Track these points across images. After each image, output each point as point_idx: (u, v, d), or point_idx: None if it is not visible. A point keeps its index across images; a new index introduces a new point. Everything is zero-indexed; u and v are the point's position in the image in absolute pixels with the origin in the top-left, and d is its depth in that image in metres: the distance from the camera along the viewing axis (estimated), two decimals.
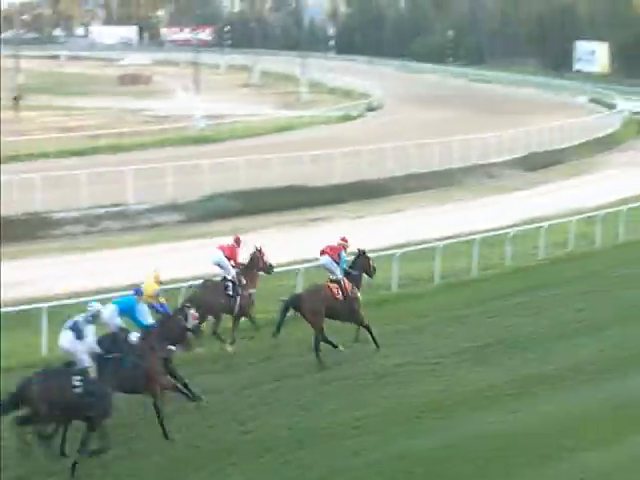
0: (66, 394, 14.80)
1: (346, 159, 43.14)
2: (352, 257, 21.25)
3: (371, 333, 20.53)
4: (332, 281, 20.46)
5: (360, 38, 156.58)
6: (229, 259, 20.90)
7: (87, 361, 15.14)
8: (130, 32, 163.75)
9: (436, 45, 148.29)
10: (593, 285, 26.28)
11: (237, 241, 21.47)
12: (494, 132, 52.01)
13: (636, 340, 21.37)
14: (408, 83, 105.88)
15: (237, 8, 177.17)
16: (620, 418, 17.17)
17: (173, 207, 36.46)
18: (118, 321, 16.85)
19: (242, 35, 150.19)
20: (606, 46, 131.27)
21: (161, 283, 18.50)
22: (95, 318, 15.53)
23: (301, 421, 16.90)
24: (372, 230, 32.42)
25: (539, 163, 50.02)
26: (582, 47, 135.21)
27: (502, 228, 30.69)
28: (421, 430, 16.68)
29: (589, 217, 32.51)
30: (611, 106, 79.82)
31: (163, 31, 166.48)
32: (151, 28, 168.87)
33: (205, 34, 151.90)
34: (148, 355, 16.19)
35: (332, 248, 20.93)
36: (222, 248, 21.12)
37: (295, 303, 20.08)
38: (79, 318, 15.57)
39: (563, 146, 54.77)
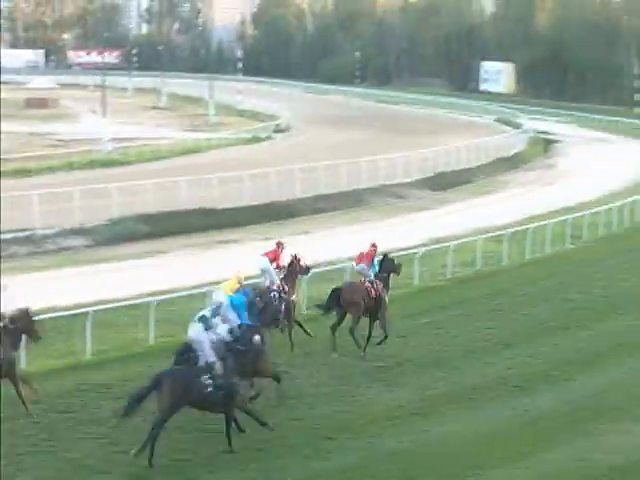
0: (196, 392, 15.83)
1: (254, 181, 43.11)
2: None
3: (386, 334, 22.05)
4: (368, 281, 22.20)
5: (268, 60, 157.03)
6: (272, 262, 22.28)
7: (212, 355, 16.21)
8: (36, 55, 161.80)
9: (344, 66, 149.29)
10: (501, 303, 26.65)
11: (279, 245, 22.89)
12: (402, 152, 52.47)
13: (543, 357, 21.71)
14: (316, 104, 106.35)
15: (144, 30, 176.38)
16: (528, 435, 17.37)
17: (80, 231, 35.97)
18: (234, 315, 17.63)
19: (150, 57, 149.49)
20: (511, 66, 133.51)
21: (240, 284, 19.09)
22: (217, 310, 16.82)
23: (207, 445, 16.70)
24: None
25: (447, 183, 50.54)
26: (488, 67, 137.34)
27: (410, 248, 30.85)
28: (333, 450, 16.66)
29: (496, 236, 32.98)
30: (517, 125, 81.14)
31: (70, 54, 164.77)
32: (58, 51, 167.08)
33: (112, 57, 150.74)
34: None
35: (366, 254, 22.62)
36: (267, 254, 22.46)
37: (337, 295, 21.63)
38: (206, 312, 16.81)
39: (470, 166, 55.49)
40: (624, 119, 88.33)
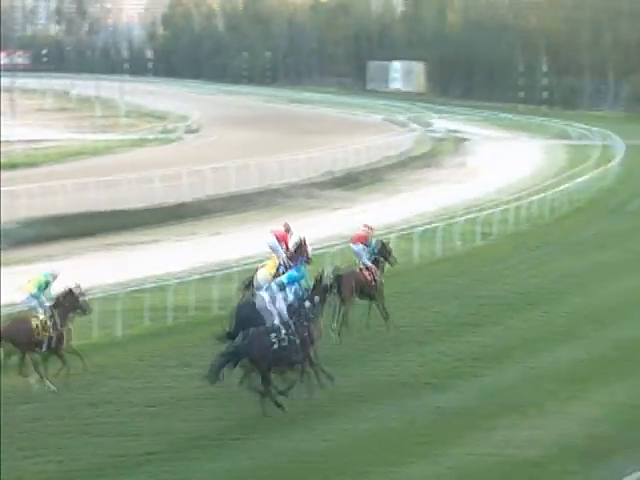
0: (270, 349, 18.02)
1: (165, 182, 42.79)
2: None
3: (387, 315, 23.39)
4: (365, 267, 23.45)
5: (178, 60, 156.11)
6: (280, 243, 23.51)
7: (277, 319, 18.75)
8: None
9: (255, 66, 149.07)
10: (412, 301, 26.81)
11: (287, 228, 24.12)
12: (313, 152, 52.51)
13: (454, 353, 21.85)
14: (227, 105, 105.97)
15: (54, 31, 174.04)
16: (441, 431, 17.43)
17: None
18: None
19: (59, 59, 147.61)
20: (422, 65, 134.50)
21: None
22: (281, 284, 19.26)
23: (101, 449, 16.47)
24: (193, 251, 32.18)
25: (358, 182, 50.73)
26: (399, 67, 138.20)
27: (323, 247, 30.87)
28: (223, 452, 16.52)
29: (407, 234, 33.16)
30: (427, 125, 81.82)
31: None
32: None
33: (21, 58, 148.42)
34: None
35: (360, 236, 24.15)
36: (275, 234, 23.62)
37: (337, 282, 22.34)
38: (273, 284, 19.33)
39: (382, 165, 55.78)
40: (533, 117, 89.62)
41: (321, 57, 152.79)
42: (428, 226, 34.11)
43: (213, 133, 75.70)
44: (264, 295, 19.36)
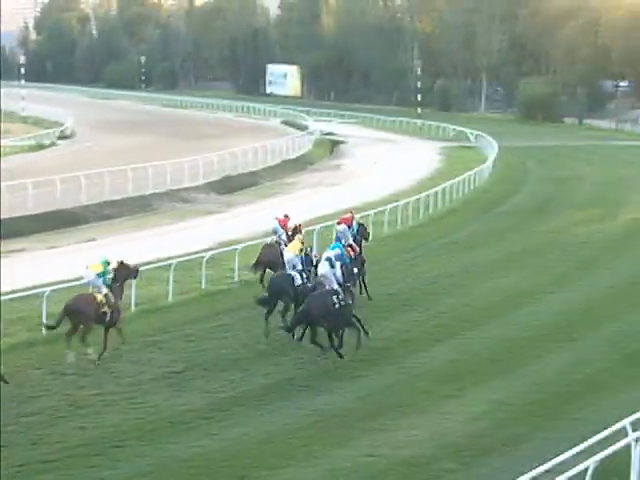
0: (329, 308, 21.36)
1: (39, 189, 42.00)
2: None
3: (367, 291, 27.08)
4: (349, 245, 26.80)
5: (52, 65, 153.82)
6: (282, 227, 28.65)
7: (335, 285, 22.42)
8: None
9: (129, 71, 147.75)
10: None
11: (286, 215, 29.52)
12: (189, 157, 52.21)
13: (331, 356, 21.75)
14: (102, 110, 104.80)
15: None
16: (318, 433, 17.47)
17: None
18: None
19: None
20: (297, 69, 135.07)
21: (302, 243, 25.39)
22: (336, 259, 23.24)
23: None
24: (67, 260, 31.59)
25: (233, 186, 50.64)
26: (274, 70, 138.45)
27: (198, 252, 30.70)
28: (122, 459, 16.37)
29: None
30: (303, 128, 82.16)
31: None
32: None
33: None
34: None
35: (345, 218, 28.61)
36: (277, 219, 29.13)
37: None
38: (332, 255, 23.22)
39: (257, 168, 55.77)
40: (408, 119, 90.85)
41: (196, 61, 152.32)
42: (305, 229, 34.03)
43: (88, 138, 74.69)
44: (325, 264, 23.23)
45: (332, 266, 23.01)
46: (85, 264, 22.50)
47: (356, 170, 60.05)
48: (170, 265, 27.47)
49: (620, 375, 20.83)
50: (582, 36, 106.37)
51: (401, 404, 19.05)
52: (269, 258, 27.22)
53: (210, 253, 29.57)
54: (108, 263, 22.27)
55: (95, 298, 21.60)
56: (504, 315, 25.85)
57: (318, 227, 33.59)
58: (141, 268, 25.00)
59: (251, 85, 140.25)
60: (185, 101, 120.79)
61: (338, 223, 28.52)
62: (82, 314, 21.29)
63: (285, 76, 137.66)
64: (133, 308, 25.57)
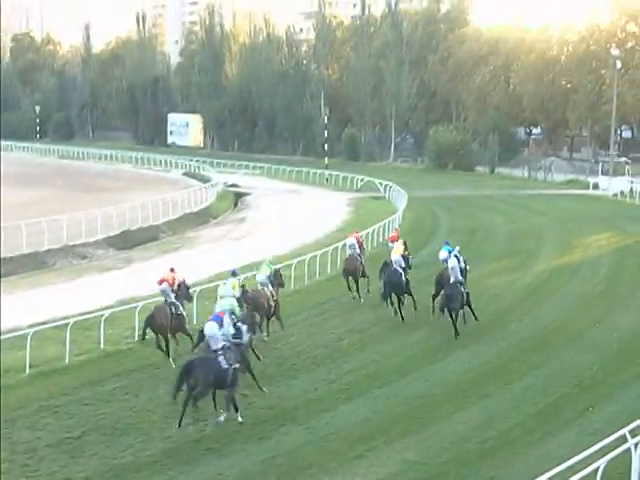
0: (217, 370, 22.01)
1: None
2: None
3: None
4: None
5: None
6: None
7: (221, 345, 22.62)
8: None
9: (23, 121, 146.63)
10: None
11: (357, 231, 39.41)
12: (86, 210, 51.88)
13: (234, 418, 21.86)
14: None
15: None
16: None
17: None
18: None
19: None
20: (199, 118, 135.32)
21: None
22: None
23: None
24: None
25: (134, 241, 50.38)
26: (175, 120, 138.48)
27: (96, 310, 30.51)
28: None
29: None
30: (205, 179, 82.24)
31: None
32: None
33: None
34: None
35: (356, 236, 36.79)
36: (354, 236, 36.97)
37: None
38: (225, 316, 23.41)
39: (158, 222, 55.60)
40: (315, 169, 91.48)
41: (94, 110, 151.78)
42: (205, 285, 34.13)
43: None
44: (452, 260, 30.78)
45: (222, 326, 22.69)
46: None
47: (261, 223, 60.28)
48: (67, 324, 27.25)
49: (533, 431, 21.25)
50: (493, 82, 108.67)
51: (309, 466, 19.15)
52: (352, 267, 35.52)
53: (109, 311, 29.41)
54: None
55: (266, 293, 29.92)
56: (415, 371, 26.14)
57: (221, 283, 33.57)
58: (36, 328, 24.84)
59: (151, 135, 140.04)
60: (83, 152, 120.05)
61: (349, 237, 35.70)
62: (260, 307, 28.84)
63: (187, 125, 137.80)
64: (28, 370, 25.31)
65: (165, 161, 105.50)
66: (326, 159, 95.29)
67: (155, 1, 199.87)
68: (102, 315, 28.70)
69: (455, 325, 29.61)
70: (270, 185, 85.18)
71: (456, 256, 31.25)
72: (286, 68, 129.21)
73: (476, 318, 30.75)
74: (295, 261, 38.47)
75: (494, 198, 73.33)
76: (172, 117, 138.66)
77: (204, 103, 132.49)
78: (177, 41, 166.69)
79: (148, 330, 26.85)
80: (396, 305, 32.46)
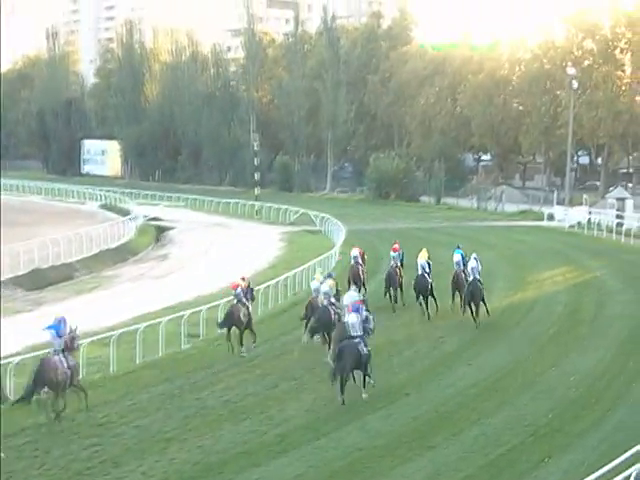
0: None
1: None
2: None
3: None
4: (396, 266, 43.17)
5: None
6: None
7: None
8: None
9: None
10: (108, 415, 26.61)
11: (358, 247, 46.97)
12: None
13: (158, 473, 21.85)
14: None
15: None
16: None
17: None
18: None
19: None
20: (116, 145, 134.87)
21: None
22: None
23: None
24: None
25: (45, 281, 49.98)
26: (90, 146, 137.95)
27: (5, 357, 30.18)
28: None
29: (102, 338, 32.87)
30: (124, 212, 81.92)
31: None
32: None
33: None
34: None
35: (395, 249, 44.46)
36: (358, 250, 46.07)
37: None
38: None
39: (72, 260, 55.24)
40: (244, 201, 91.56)
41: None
42: (126, 329, 33.99)
43: None
44: (472, 262, 39.46)
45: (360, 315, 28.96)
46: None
47: (186, 260, 60.17)
48: None
49: None
50: (439, 104, 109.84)
51: None
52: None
53: (17, 359, 29.06)
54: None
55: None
56: (355, 420, 26.20)
57: (142, 326, 33.52)
58: None
59: (64, 164, 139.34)
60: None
61: (234, 286, 35.82)
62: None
63: (103, 153, 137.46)
64: None
65: (79, 192, 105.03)
66: (256, 189, 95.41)
67: (67, 15, 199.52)
68: (9, 363, 28.39)
69: (476, 318, 37.41)
70: (195, 218, 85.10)
71: (475, 258, 39.30)
72: (212, 90, 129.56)
73: (488, 313, 38.51)
74: (223, 301, 38.38)
75: (440, 231, 73.88)
76: (87, 144, 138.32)
77: (122, 128, 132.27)
78: (92, 60, 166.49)
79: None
80: (424, 306, 40.34)
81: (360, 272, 44.49)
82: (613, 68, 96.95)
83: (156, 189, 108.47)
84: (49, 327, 27.40)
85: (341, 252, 56.31)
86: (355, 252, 45.93)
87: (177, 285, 49.23)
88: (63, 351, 26.86)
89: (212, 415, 26.70)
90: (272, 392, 29.24)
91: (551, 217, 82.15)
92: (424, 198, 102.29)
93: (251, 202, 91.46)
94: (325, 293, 34.39)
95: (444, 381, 30.33)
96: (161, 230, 76.35)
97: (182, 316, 35.87)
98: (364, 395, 27.95)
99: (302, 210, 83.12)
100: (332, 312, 33.45)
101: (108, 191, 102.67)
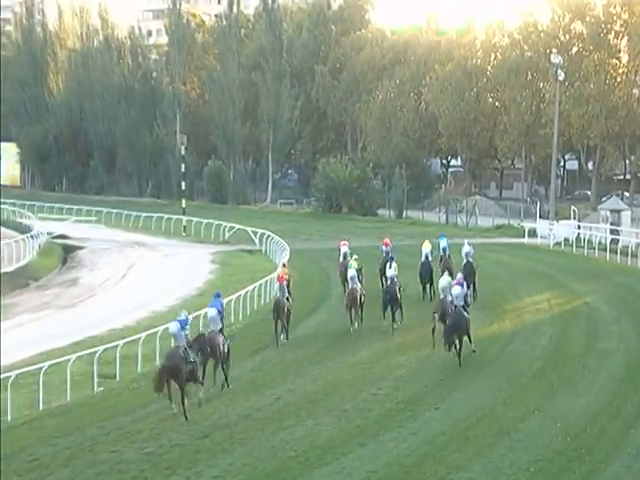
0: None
1: None
2: None
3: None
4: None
5: None
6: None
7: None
8: None
9: None
10: (4, 475, 26.47)
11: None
12: None
13: None
14: None
15: None
16: None
17: None
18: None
19: None
20: (14, 147, 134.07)
21: None
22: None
23: None
24: None
25: None
26: None
27: None
28: None
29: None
30: (24, 229, 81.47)
31: None
32: None
33: None
34: None
35: (386, 243, 56.31)
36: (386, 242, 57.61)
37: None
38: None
39: None
40: (169, 215, 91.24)
41: None
42: (25, 369, 33.85)
43: None
44: (466, 247, 53.17)
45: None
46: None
47: (98, 286, 60.00)
48: None
49: None
50: (400, 100, 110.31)
51: None
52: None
53: None
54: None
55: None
56: (298, 478, 26.24)
57: (46, 365, 33.42)
58: None
59: None
60: None
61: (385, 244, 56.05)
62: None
63: None
64: None
65: None
66: (183, 201, 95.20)
67: None
68: None
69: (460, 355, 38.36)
70: (110, 236, 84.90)
71: (469, 244, 54.33)
72: (130, 82, 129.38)
73: (471, 341, 39.68)
74: (143, 335, 38.36)
75: (402, 250, 73.73)
76: None
77: (21, 128, 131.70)
78: None
79: None
80: (429, 292, 52.04)
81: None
82: (606, 55, 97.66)
83: (62, 201, 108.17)
84: None
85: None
86: (345, 248, 56.76)
87: (88, 316, 49.11)
88: None
89: (132, 471, 26.64)
90: (202, 443, 29.21)
91: (533, 233, 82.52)
92: (383, 211, 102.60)
93: (177, 216, 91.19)
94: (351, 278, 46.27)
95: (407, 428, 30.42)
96: (69, 250, 76.11)
97: (94, 353, 35.77)
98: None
99: (238, 226, 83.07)
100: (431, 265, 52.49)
101: (4, 203, 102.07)
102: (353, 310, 45.12)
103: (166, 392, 31.61)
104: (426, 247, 54.91)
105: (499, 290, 55.51)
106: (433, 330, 40.81)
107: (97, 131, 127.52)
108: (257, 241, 76.75)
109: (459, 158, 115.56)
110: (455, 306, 39.92)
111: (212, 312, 35.87)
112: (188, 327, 33.28)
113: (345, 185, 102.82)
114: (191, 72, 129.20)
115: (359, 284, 46.19)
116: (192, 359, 32.24)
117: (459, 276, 42.86)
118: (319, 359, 39.77)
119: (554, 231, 79.98)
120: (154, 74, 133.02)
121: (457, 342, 38.17)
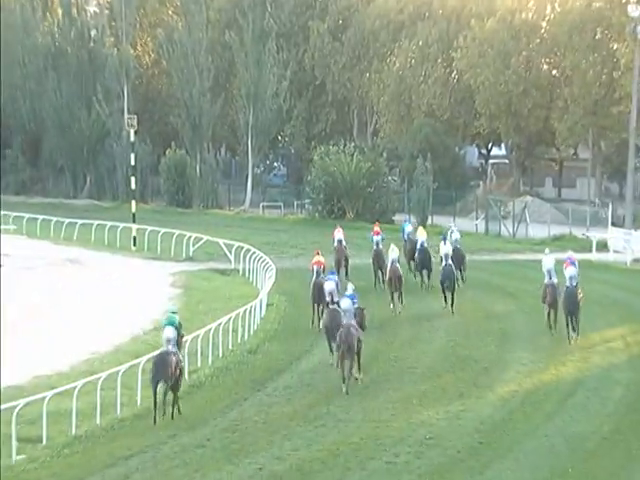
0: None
1: None
2: None
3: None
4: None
5: None
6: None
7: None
8: None
9: None
10: None
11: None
12: None
13: None
14: None
15: None
16: None
17: None
18: None
19: None
20: None
21: None
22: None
23: None
24: None
25: None
26: None
27: None
28: None
29: None
30: None
31: None
32: None
33: None
34: None
35: (376, 232, 69.75)
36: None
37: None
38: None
39: None
40: (113, 222, 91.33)
41: None
42: None
43: None
44: (456, 233, 70.71)
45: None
46: None
47: (20, 317, 60.04)
48: None
49: None
50: (423, 67, 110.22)
51: None
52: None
53: None
54: None
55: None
56: None
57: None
58: None
59: None
60: None
61: (376, 233, 68.67)
62: None
63: None
64: None
65: None
66: (133, 204, 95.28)
67: None
68: None
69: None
70: (34, 250, 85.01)
71: (453, 230, 70.18)
72: (62, 44, 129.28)
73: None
74: (79, 384, 38.49)
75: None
76: None
77: None
78: None
79: None
80: (425, 278, 66.10)
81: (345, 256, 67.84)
82: None
83: None
84: None
85: (269, 304, 56.63)
86: (339, 235, 68.79)
87: (4, 360, 49.19)
88: None
89: None
90: None
91: (604, 246, 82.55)
92: (401, 217, 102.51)
93: (125, 224, 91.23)
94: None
95: None
96: None
97: (12, 409, 35.81)
98: None
99: (207, 237, 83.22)
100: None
101: None
102: (394, 288, 58.72)
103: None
104: (421, 235, 69.51)
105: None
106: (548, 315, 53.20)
107: (16, 110, 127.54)
108: (232, 258, 76.90)
109: (503, 146, 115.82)
110: (567, 287, 51.81)
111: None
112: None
113: (350, 182, 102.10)
114: (143, 31, 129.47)
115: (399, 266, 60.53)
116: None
117: (570, 254, 54.46)
118: (315, 415, 39.91)
119: (632, 244, 79.80)
120: (93, 33, 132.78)
121: (572, 323, 51.36)
